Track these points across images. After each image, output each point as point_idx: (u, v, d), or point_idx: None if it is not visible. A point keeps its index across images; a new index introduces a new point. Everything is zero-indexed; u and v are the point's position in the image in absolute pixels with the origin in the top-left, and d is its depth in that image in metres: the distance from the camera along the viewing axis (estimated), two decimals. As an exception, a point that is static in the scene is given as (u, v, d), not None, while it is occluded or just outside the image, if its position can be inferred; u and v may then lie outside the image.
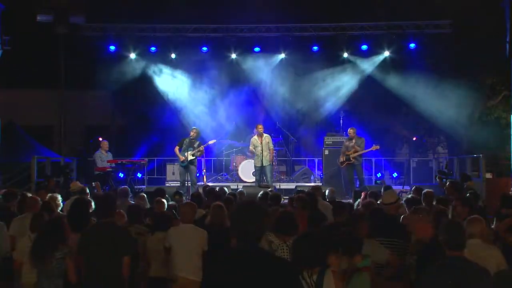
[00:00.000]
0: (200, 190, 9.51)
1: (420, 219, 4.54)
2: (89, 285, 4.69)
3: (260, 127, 12.37)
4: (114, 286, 4.67)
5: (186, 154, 11.68)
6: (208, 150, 14.32)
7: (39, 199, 6.77)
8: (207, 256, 5.45)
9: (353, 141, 12.14)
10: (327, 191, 8.97)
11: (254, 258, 2.81)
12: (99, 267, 4.65)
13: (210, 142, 12.35)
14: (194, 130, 12.04)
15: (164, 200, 7.22)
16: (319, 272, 3.61)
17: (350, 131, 12.36)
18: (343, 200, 9.23)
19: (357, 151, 12.00)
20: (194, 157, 11.82)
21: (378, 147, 12.13)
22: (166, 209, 6.94)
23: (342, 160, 12.28)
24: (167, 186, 13.06)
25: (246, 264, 2.79)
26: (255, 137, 12.42)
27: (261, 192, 8.28)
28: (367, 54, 16.04)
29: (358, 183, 12.43)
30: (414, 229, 4.62)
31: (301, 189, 9.88)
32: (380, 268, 4.76)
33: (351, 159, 12.04)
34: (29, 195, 7.19)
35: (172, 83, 16.75)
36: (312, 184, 13.04)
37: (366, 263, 4.12)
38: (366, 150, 12.07)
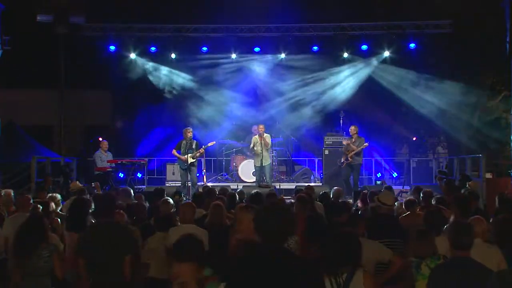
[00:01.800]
0: (200, 190, 9.49)
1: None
2: (94, 286, 4.63)
3: (261, 127, 12.36)
4: (118, 286, 4.61)
5: (186, 157, 11.65)
6: (208, 150, 14.30)
7: (30, 197, 6.69)
8: (208, 255, 5.43)
9: (353, 139, 12.14)
10: (332, 191, 8.96)
11: (278, 257, 2.85)
12: (102, 267, 4.58)
13: (210, 144, 12.27)
14: (189, 131, 11.94)
15: (171, 201, 7.18)
16: (348, 271, 3.61)
17: (352, 128, 12.32)
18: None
19: (353, 150, 12.02)
20: (194, 159, 11.80)
21: (367, 144, 12.14)
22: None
23: (342, 160, 12.30)
24: (167, 186, 13.05)
25: (270, 263, 2.82)
26: (256, 137, 12.42)
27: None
28: (367, 54, 16.07)
29: (359, 183, 12.40)
30: (245, 227, 4.11)
31: (300, 188, 9.89)
32: (382, 268, 4.76)
33: (349, 158, 12.05)
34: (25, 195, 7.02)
35: (172, 83, 16.76)
36: (312, 184, 13.02)
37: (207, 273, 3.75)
38: (358, 148, 12.06)
